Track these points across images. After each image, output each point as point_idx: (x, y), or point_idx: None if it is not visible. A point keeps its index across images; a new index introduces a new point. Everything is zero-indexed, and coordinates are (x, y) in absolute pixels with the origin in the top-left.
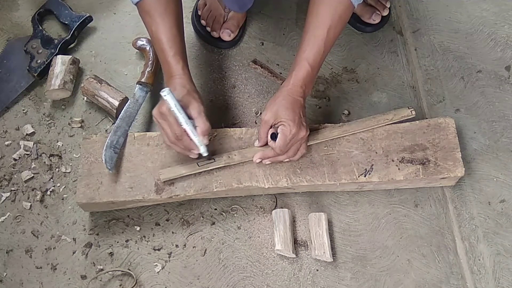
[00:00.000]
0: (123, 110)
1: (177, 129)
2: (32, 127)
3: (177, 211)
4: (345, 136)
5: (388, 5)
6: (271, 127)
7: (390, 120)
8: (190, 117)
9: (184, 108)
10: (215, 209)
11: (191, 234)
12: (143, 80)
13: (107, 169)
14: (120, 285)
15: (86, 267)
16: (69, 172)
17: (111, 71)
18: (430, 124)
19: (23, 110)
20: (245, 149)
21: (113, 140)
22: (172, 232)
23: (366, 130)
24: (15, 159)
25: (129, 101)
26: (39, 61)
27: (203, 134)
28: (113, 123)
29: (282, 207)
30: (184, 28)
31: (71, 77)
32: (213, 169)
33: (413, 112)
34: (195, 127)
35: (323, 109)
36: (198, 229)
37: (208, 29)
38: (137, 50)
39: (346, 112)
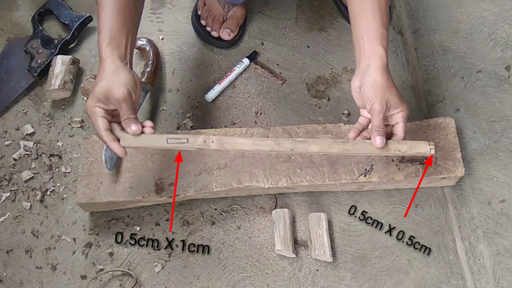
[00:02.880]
0: None
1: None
2: (32, 127)
3: (177, 211)
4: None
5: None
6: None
7: (403, 152)
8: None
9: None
10: (215, 209)
11: (191, 234)
12: (143, 80)
13: (107, 169)
14: (120, 285)
15: (86, 267)
16: (69, 172)
17: None
18: (430, 124)
19: (23, 110)
20: (224, 138)
21: None
22: (172, 232)
23: (372, 155)
24: (15, 159)
25: None
26: (39, 61)
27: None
28: None
29: (282, 207)
30: (184, 28)
31: (71, 77)
32: (184, 149)
33: (433, 150)
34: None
35: (323, 109)
36: (198, 229)
37: (208, 29)
38: (137, 50)
39: (346, 112)
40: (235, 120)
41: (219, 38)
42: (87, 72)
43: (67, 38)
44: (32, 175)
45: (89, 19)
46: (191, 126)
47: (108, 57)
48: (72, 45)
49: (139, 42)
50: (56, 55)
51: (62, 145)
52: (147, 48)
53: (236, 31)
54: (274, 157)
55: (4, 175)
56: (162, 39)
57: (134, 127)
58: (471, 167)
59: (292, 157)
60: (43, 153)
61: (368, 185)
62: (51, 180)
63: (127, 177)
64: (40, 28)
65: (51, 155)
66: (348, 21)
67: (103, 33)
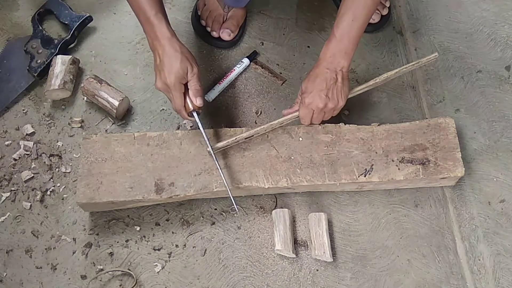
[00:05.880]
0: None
1: (178, 105)
2: (32, 127)
3: (177, 211)
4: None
5: (387, 5)
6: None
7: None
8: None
9: (185, 75)
10: (215, 209)
11: (191, 234)
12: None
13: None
14: (120, 285)
15: (86, 267)
16: (69, 172)
17: (111, 71)
18: (430, 124)
19: (23, 110)
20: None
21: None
22: (172, 232)
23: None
24: (15, 159)
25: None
26: (39, 61)
27: (195, 96)
28: (113, 123)
29: (282, 207)
30: (184, 28)
31: (71, 77)
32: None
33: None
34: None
35: None
36: (198, 229)
37: (208, 29)
38: (137, 50)
39: (346, 112)
40: (235, 120)
41: (219, 38)
42: (87, 72)
43: (67, 38)
44: (32, 175)
45: (89, 19)
46: (191, 126)
47: (173, 35)
48: (72, 45)
49: None
50: (56, 55)
51: (62, 145)
52: None
53: (236, 31)
54: (274, 157)
55: (4, 175)
56: None
57: (200, 101)
58: (471, 167)
59: (292, 157)
60: (43, 153)
61: (368, 185)
62: (51, 180)
63: (127, 177)
64: (40, 28)
65: (51, 155)
66: None
67: (155, 16)
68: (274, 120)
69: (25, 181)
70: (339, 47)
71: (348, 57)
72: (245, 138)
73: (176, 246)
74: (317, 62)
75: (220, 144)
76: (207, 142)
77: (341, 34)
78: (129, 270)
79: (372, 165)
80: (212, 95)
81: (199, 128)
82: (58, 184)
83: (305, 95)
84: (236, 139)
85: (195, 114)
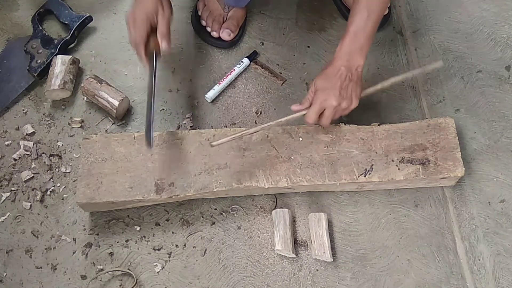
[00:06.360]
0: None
1: (135, 37)
2: (32, 127)
3: (177, 211)
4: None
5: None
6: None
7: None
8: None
9: (155, 14)
10: (215, 209)
11: (191, 234)
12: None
13: (149, 147)
14: (120, 285)
15: (86, 267)
16: (69, 172)
17: (111, 71)
18: (430, 124)
19: (23, 110)
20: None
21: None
22: (172, 232)
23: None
24: (15, 159)
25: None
26: (39, 61)
27: (160, 38)
28: (113, 123)
29: (282, 207)
30: (184, 28)
31: (71, 77)
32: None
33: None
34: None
35: None
36: (198, 229)
37: (208, 29)
38: None
39: None
40: (235, 120)
41: (219, 38)
42: (87, 72)
43: (67, 38)
44: (32, 175)
45: (89, 19)
46: (191, 126)
47: None
48: (72, 45)
49: None
50: (56, 55)
51: (62, 145)
52: None
53: (236, 32)
54: (274, 157)
55: (4, 175)
56: None
57: (165, 44)
58: (471, 167)
59: (292, 157)
60: (43, 153)
61: (368, 185)
62: (51, 180)
63: (127, 177)
64: (40, 28)
65: (51, 155)
66: None
67: None
68: (279, 118)
69: (25, 181)
70: (355, 44)
71: (364, 54)
72: (251, 133)
73: (176, 246)
74: (332, 59)
75: (226, 139)
76: (153, 89)
77: (356, 31)
78: (129, 270)
79: (372, 165)
80: (212, 95)
81: (151, 74)
82: (58, 184)
83: (319, 92)
84: (241, 134)
85: (154, 55)
